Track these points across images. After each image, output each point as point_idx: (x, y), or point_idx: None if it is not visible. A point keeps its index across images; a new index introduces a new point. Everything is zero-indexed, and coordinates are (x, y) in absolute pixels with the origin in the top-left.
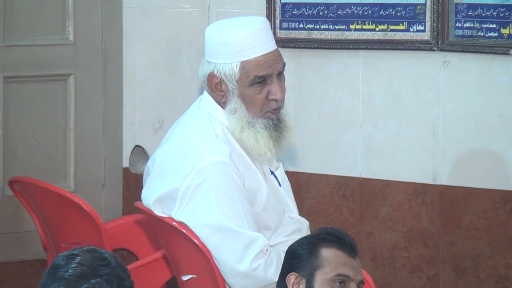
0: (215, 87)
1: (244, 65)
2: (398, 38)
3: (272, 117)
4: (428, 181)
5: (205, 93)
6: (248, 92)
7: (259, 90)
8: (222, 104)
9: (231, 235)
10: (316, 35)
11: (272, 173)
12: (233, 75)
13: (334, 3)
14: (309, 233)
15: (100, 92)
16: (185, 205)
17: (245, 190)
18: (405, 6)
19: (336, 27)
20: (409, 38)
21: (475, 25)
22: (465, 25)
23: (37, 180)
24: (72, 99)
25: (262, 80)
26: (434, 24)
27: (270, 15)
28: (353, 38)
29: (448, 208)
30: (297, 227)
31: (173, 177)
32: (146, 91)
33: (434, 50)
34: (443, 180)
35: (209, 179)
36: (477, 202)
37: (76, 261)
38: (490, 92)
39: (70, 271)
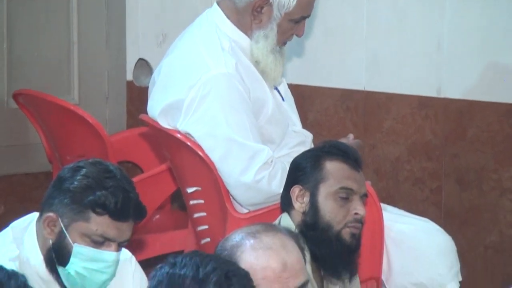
0: (258, 4)
1: (300, 2)
2: None
3: (284, 45)
4: (432, 94)
5: (214, 6)
6: (286, 26)
7: (293, 26)
8: (253, 24)
9: (236, 146)
10: None
11: (275, 88)
12: (287, 6)
13: None
14: (312, 146)
15: (102, 5)
16: (191, 115)
17: (250, 102)
18: None
19: None
20: None
21: None
22: None
23: (42, 93)
24: (75, 13)
25: (302, 19)
26: None
27: None
28: None
29: (452, 121)
30: (301, 139)
31: (179, 88)
32: (149, 4)
33: None
34: (447, 93)
35: (215, 90)
36: (481, 115)
37: (81, 173)
38: (496, 7)
39: (75, 183)
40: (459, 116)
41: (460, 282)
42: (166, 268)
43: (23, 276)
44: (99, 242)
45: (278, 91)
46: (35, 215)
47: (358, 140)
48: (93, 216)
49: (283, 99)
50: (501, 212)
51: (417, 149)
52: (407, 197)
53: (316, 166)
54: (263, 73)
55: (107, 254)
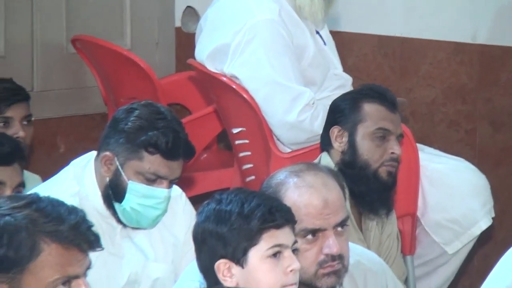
0: None
1: None
2: None
3: None
4: (467, 40)
5: None
6: None
7: None
8: None
9: (279, 89)
10: None
11: (317, 32)
12: None
13: None
14: (351, 89)
15: None
16: (236, 59)
17: (293, 46)
18: None
19: None
20: None
21: None
22: None
23: (97, 39)
24: None
25: None
26: None
27: None
28: None
29: (486, 65)
30: (341, 83)
31: (225, 33)
32: None
33: None
34: (482, 39)
35: (259, 36)
36: None
37: (134, 115)
38: None
39: (129, 124)
40: (493, 62)
41: (492, 218)
42: (213, 204)
43: (82, 211)
44: (152, 179)
45: (320, 36)
46: (94, 153)
47: (404, 99)
48: (146, 155)
49: (325, 43)
50: None
51: (452, 92)
52: (442, 138)
53: (354, 108)
54: (305, 16)
55: (159, 191)
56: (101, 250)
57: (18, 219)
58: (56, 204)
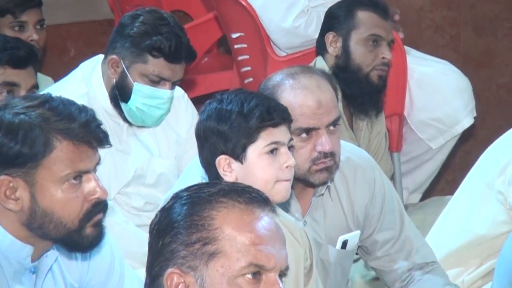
0: None
1: None
2: None
3: None
4: None
5: None
6: None
7: None
8: None
9: None
10: None
11: None
12: None
13: None
14: None
15: None
16: None
17: None
18: None
19: None
20: None
21: None
22: None
23: None
24: None
25: None
26: None
27: None
28: None
29: None
30: None
31: None
32: None
33: None
34: None
35: None
36: None
37: (139, 21)
38: None
39: (134, 29)
40: None
41: (474, 117)
42: (214, 104)
43: (92, 110)
44: (156, 81)
45: None
46: (101, 57)
47: (395, 9)
48: (150, 58)
49: None
50: None
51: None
52: (429, 43)
53: (349, 15)
54: None
55: (163, 92)
56: (109, 147)
57: (32, 117)
58: (67, 103)
